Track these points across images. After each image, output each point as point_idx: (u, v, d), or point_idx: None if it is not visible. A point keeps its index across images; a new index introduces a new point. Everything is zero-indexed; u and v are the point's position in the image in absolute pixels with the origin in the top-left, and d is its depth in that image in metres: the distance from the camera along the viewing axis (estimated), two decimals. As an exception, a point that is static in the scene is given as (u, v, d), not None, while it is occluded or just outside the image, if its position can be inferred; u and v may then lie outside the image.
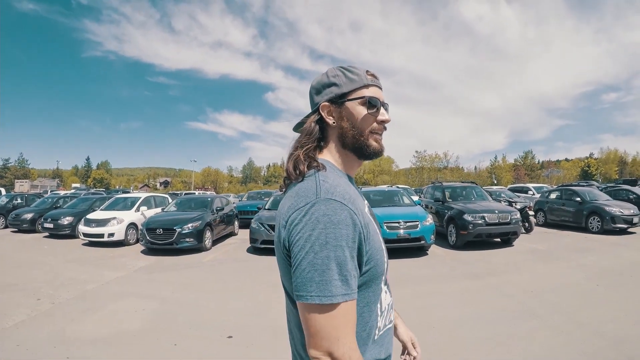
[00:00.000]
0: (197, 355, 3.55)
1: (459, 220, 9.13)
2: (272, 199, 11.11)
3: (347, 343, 0.78)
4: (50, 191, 36.97)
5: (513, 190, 23.19)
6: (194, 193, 28.21)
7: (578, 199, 12.41)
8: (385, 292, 0.98)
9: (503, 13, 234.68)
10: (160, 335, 4.01)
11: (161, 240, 8.86)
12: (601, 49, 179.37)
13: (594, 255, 7.91)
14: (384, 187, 16.73)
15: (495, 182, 64.80)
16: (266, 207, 10.19)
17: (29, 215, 13.61)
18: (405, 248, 8.20)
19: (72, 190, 41.67)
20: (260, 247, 8.80)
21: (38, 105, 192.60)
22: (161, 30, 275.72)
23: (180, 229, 8.78)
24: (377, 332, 0.94)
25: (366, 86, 0.96)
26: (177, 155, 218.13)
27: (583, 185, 22.63)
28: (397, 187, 18.87)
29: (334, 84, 0.97)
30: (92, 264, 8.04)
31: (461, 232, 9.01)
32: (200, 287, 6.21)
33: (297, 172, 0.91)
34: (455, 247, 9.21)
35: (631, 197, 14.21)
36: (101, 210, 11.60)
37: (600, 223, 11.15)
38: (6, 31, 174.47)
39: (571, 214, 12.59)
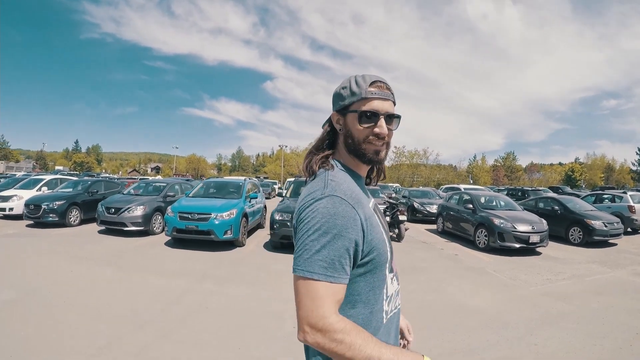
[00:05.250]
0: None
1: (271, 219, 8.45)
2: (132, 187, 12.19)
3: (322, 312, 0.88)
4: (25, 172, 39.54)
5: (449, 190, 22.22)
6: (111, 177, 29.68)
7: (471, 206, 10.49)
8: (392, 280, 1.09)
9: (507, 13, 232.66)
10: None
11: (32, 215, 10.51)
12: (603, 55, 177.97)
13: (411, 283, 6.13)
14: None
15: (472, 182, 65.46)
16: (125, 192, 11.66)
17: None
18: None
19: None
20: (104, 228, 10.07)
21: (33, 86, 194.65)
22: (160, 14, 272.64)
23: (45, 206, 10.41)
24: (384, 315, 1.06)
25: (364, 100, 1.04)
26: (173, 141, 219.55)
27: (525, 191, 20.59)
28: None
29: (341, 96, 1.09)
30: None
31: (270, 232, 8.50)
32: (10, 252, 7.61)
33: (311, 171, 1.08)
34: (275, 248, 8.59)
35: (556, 208, 11.91)
36: (14, 188, 13.46)
37: (487, 238, 9.33)
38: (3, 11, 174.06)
39: (462, 222, 10.82)
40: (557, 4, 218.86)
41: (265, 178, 48.29)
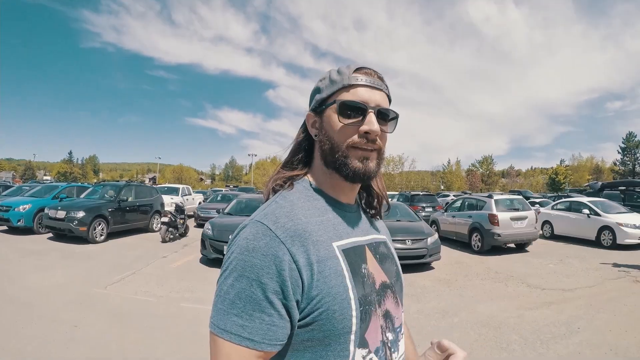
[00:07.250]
0: None
1: None
2: None
3: None
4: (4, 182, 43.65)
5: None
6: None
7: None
8: (365, 359, 0.72)
9: (510, 15, 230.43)
10: None
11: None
12: (608, 56, 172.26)
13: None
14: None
15: (443, 187, 66.16)
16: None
17: None
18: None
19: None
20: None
21: (33, 97, 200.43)
22: (161, 22, 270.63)
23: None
24: None
25: (346, 87, 0.74)
26: (175, 151, 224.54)
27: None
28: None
29: (318, 89, 0.80)
30: None
31: None
32: None
33: (267, 193, 0.81)
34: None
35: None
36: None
37: None
38: (2, 19, 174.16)
39: None
40: (561, 4, 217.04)
41: (235, 187, 51.09)
